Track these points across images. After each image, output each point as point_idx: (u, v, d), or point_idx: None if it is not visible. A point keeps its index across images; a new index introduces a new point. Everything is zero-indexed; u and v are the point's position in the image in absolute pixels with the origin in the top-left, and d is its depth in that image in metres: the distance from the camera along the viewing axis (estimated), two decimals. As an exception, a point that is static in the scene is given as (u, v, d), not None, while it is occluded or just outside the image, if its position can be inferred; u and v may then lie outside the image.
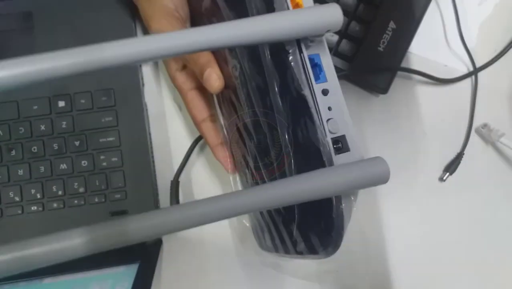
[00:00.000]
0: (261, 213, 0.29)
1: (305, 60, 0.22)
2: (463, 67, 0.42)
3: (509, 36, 0.42)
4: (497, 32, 0.42)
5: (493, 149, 0.41)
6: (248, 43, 0.19)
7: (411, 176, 0.40)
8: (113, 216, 0.36)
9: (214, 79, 0.29)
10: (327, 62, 0.23)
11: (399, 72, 0.40)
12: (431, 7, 0.40)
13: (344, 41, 0.38)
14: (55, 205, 0.36)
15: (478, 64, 0.41)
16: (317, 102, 0.22)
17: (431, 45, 0.41)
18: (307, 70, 0.22)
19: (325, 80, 0.23)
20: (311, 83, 0.22)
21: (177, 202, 0.37)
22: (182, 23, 0.31)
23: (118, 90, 0.37)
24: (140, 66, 0.38)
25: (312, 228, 0.23)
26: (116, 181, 0.36)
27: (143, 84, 0.38)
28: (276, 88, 0.23)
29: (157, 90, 0.39)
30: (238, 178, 0.33)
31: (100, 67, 0.17)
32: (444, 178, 0.40)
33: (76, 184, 0.36)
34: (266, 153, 0.26)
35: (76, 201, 0.36)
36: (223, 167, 0.33)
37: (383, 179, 0.20)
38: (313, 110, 0.22)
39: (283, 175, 0.25)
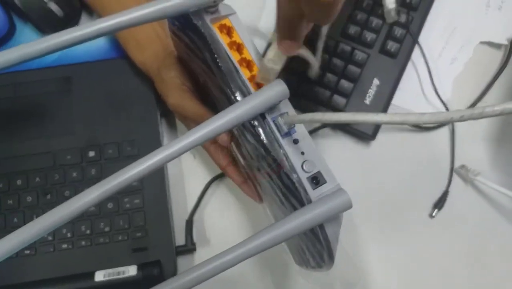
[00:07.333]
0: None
1: (270, 127, 0.27)
2: (441, 116, 0.47)
3: (480, 89, 0.48)
4: (469, 86, 0.48)
5: (472, 187, 0.45)
6: (227, 129, 0.25)
7: (403, 213, 0.45)
8: (134, 252, 0.40)
9: (222, 136, 0.35)
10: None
11: (384, 121, 0.45)
12: (409, 67, 0.47)
13: (335, 96, 0.44)
14: (83, 242, 0.40)
15: (454, 113, 0.47)
16: (287, 155, 0.26)
17: (411, 98, 0.47)
18: (274, 133, 0.27)
19: (294, 132, 0.27)
20: (279, 142, 0.27)
21: (191, 238, 0.41)
22: (191, 93, 0.38)
23: (140, 140, 0.43)
24: (160, 120, 0.44)
25: (314, 250, 0.28)
26: (137, 221, 0.41)
27: (162, 135, 0.44)
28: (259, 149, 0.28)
29: (174, 139, 0.45)
30: (267, 207, 0.38)
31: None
32: (434, 214, 0.44)
33: (102, 223, 0.41)
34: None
35: (102, 239, 0.40)
36: (253, 200, 0.38)
37: (346, 206, 0.24)
38: (286, 164, 0.26)
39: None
